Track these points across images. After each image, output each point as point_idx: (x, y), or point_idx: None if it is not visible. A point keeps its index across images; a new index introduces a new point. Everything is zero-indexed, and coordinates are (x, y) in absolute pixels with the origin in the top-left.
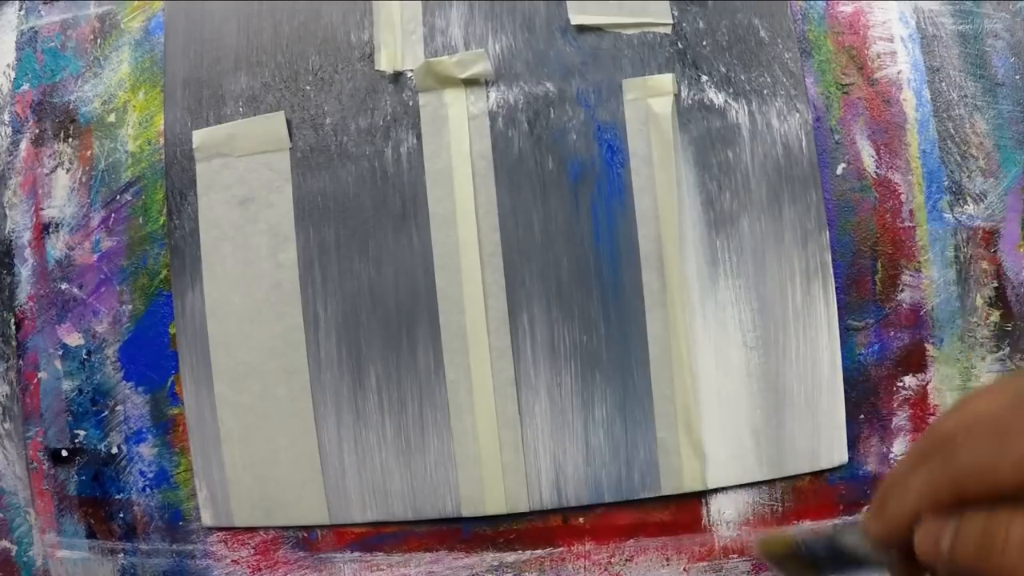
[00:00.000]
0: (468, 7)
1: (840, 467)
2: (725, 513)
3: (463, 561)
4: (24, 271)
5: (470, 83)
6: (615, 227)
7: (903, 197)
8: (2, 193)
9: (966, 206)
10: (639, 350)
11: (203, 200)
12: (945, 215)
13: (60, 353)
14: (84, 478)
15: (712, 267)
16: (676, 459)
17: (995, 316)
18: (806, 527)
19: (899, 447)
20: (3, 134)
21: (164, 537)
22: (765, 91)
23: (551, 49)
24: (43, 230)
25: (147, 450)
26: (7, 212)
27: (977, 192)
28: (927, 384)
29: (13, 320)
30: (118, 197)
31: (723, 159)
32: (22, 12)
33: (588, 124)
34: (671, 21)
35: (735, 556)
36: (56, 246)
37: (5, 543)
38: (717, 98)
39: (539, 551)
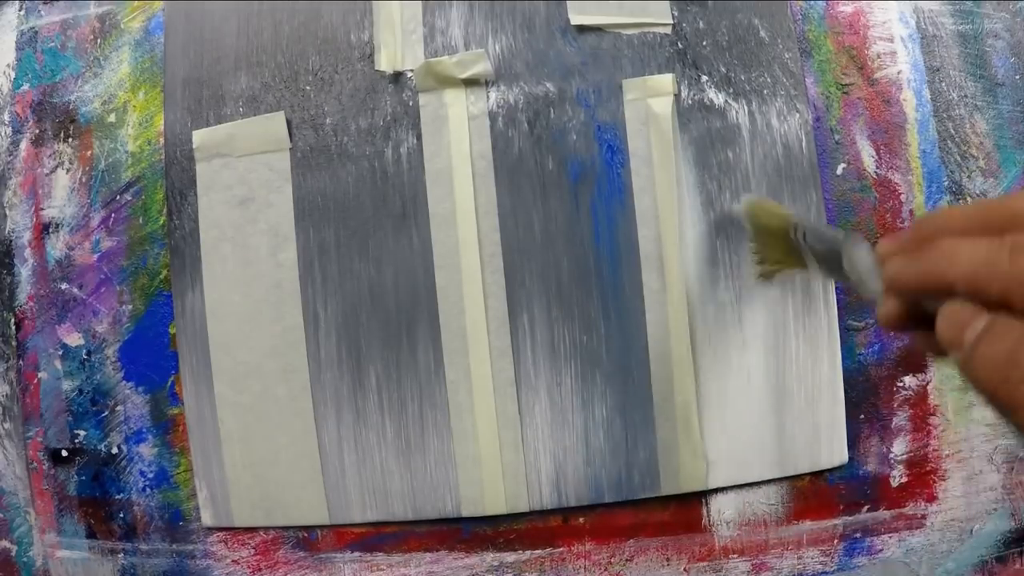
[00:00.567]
0: (468, 7)
1: (840, 467)
2: (725, 513)
3: (463, 561)
4: (24, 271)
5: (470, 83)
6: (615, 227)
7: (903, 197)
8: (2, 193)
9: None
10: (639, 350)
11: (203, 200)
12: None
13: (60, 353)
14: (84, 478)
15: (712, 267)
16: (676, 459)
17: None
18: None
19: (899, 447)
20: (3, 134)
21: (164, 537)
22: (765, 91)
23: (551, 49)
24: (43, 230)
25: (147, 450)
26: (7, 212)
27: (977, 192)
28: (927, 384)
29: (13, 320)
30: (118, 197)
31: (723, 159)
32: (22, 12)
33: (588, 124)
34: (671, 21)
35: (735, 556)
36: (56, 246)
37: (5, 543)
38: (717, 98)
39: (539, 551)
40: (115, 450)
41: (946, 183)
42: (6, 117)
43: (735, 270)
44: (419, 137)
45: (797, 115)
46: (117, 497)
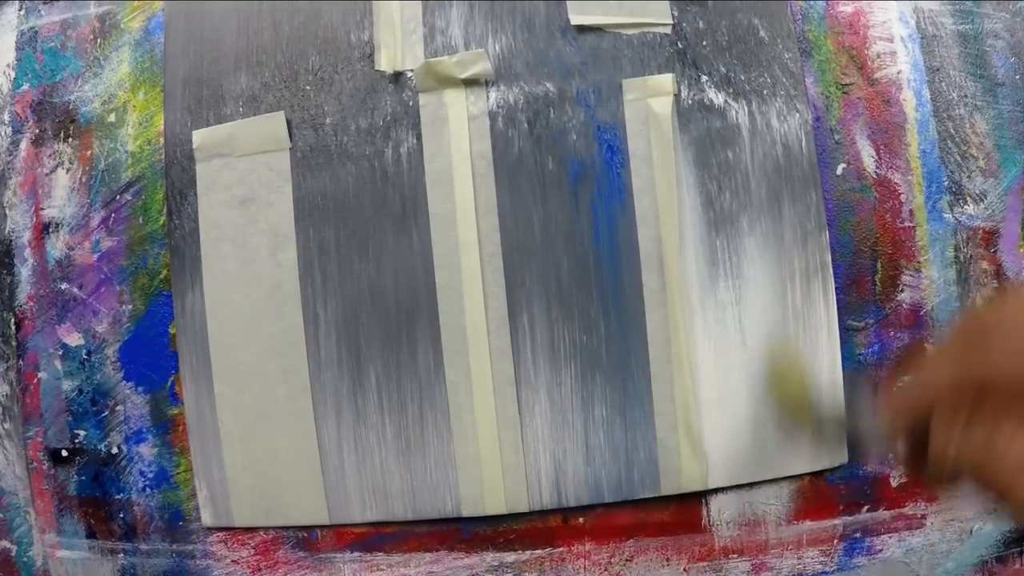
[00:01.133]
0: (468, 7)
1: (840, 467)
2: (725, 513)
3: (463, 561)
4: (24, 271)
5: (470, 83)
6: (615, 227)
7: (903, 197)
8: (2, 193)
9: (966, 206)
10: (639, 350)
11: (203, 200)
12: (945, 215)
13: (60, 353)
14: (84, 478)
15: (712, 267)
16: (676, 459)
17: None
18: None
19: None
20: (3, 134)
21: (164, 537)
22: (765, 91)
23: (551, 49)
24: (43, 230)
25: (147, 450)
26: (7, 212)
27: (977, 192)
28: None
29: (13, 320)
30: (118, 197)
31: (723, 159)
32: (22, 12)
33: (588, 124)
34: (671, 21)
35: (735, 556)
36: (56, 246)
37: (5, 543)
38: (717, 98)
39: (539, 551)
40: (115, 450)
41: (946, 183)
42: (6, 117)
43: (735, 270)
44: (419, 137)
45: (797, 115)
46: (117, 497)
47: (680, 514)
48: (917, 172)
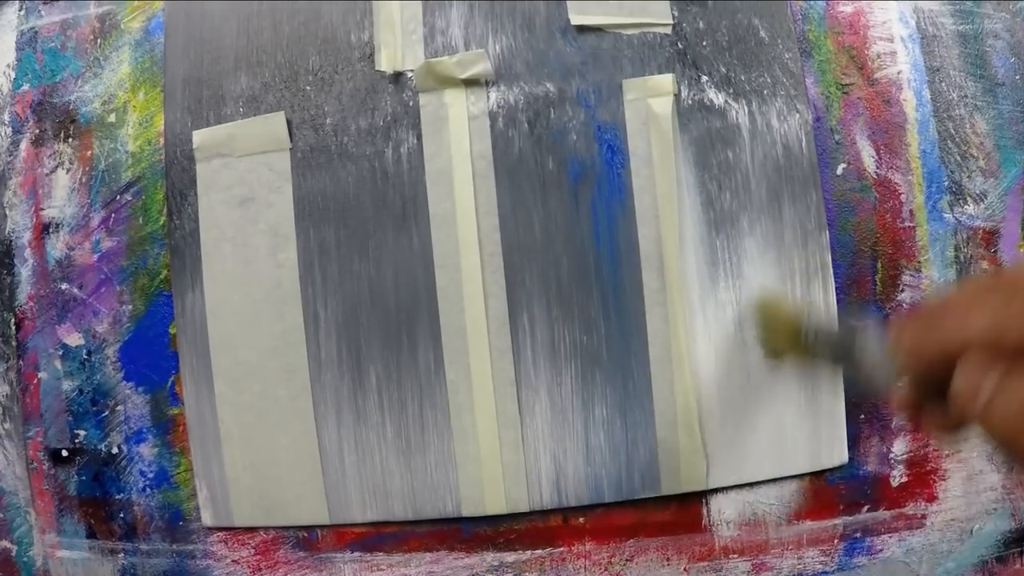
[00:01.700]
0: (468, 7)
1: (840, 467)
2: (725, 513)
3: (463, 561)
4: (24, 271)
5: (470, 83)
6: (615, 227)
7: (903, 197)
8: (2, 193)
9: (966, 206)
10: (639, 350)
11: (203, 200)
12: (945, 215)
13: (60, 353)
14: (84, 478)
15: (712, 267)
16: (676, 459)
17: None
18: (815, 327)
19: (899, 447)
20: (3, 134)
21: (164, 537)
22: (765, 91)
23: (551, 49)
24: (43, 230)
25: (147, 450)
26: (7, 212)
27: (977, 192)
28: None
29: (13, 320)
30: (118, 197)
31: (723, 159)
32: (22, 12)
33: (588, 124)
34: (671, 21)
35: (735, 556)
36: (56, 246)
37: (5, 543)
38: (717, 98)
39: (539, 551)
40: (115, 450)
41: (946, 183)
42: (6, 117)
43: (735, 270)
44: (419, 137)
45: (797, 115)
46: (117, 497)
47: (680, 514)
48: (917, 172)
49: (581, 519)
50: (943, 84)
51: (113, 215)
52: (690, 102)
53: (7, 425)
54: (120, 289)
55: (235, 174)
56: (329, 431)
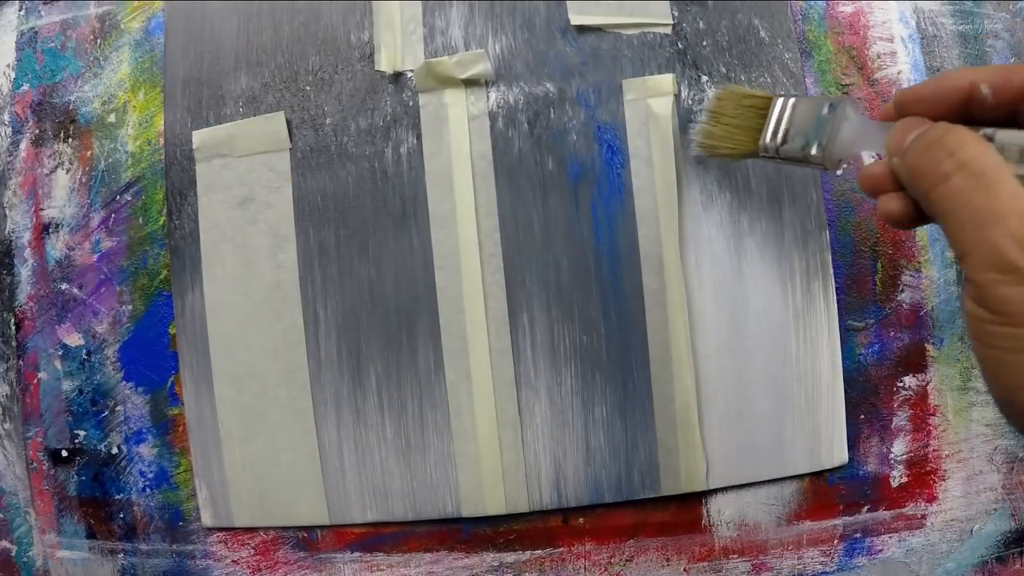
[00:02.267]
0: (468, 7)
1: (840, 467)
2: (725, 513)
3: (463, 561)
4: (24, 271)
5: (470, 83)
6: (615, 227)
7: None
8: (2, 193)
9: None
10: (639, 350)
11: (203, 200)
12: None
13: (60, 353)
14: (84, 478)
15: (712, 267)
16: (676, 459)
17: None
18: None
19: (899, 447)
20: (3, 134)
21: (164, 537)
22: None
23: (551, 49)
24: (43, 230)
25: (147, 450)
26: (7, 212)
27: None
28: (927, 384)
29: (13, 320)
30: (118, 197)
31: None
32: (22, 12)
33: (588, 124)
34: (671, 21)
35: (735, 556)
36: (56, 246)
37: (5, 543)
38: None
39: (539, 551)
40: (115, 450)
41: None
42: (6, 117)
43: (735, 270)
44: (419, 137)
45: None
46: (117, 497)
47: (680, 514)
48: None
49: (581, 519)
50: None
51: (113, 215)
52: (690, 102)
53: (7, 425)
54: (120, 289)
55: (235, 174)
56: (329, 431)
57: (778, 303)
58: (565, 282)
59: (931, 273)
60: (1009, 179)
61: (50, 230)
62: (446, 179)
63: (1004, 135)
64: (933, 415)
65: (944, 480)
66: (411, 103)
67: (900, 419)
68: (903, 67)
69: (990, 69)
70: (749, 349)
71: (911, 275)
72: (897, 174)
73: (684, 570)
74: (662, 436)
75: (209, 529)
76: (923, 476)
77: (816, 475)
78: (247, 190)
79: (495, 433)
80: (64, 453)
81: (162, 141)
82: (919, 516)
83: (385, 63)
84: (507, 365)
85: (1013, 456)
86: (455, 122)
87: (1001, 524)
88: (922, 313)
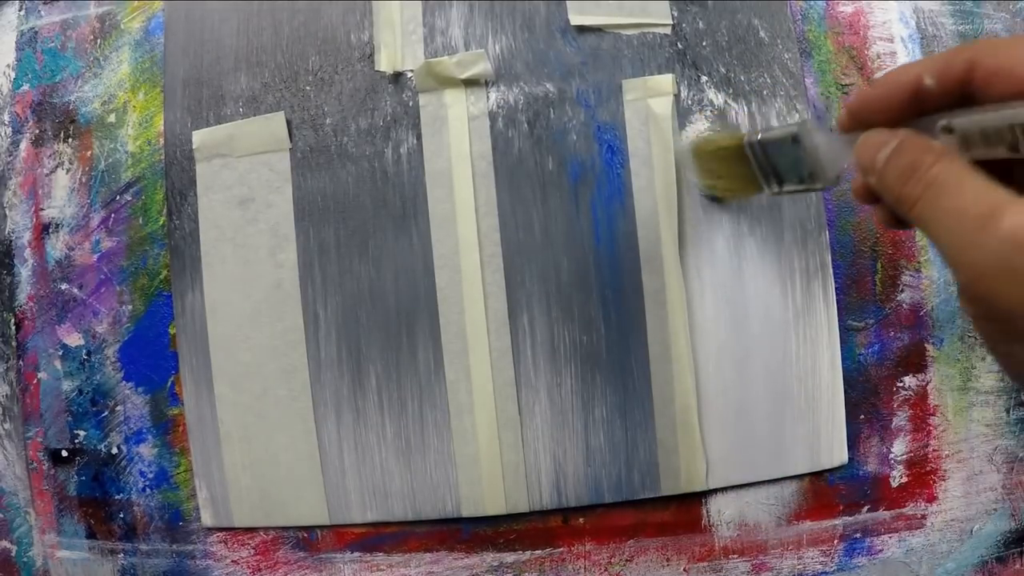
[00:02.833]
0: (468, 7)
1: (840, 467)
2: (725, 513)
3: (463, 561)
4: (24, 271)
5: (470, 83)
6: (615, 227)
7: None
8: (2, 193)
9: None
10: (639, 350)
11: (203, 200)
12: None
13: (60, 353)
14: (84, 478)
15: (712, 267)
16: (676, 459)
17: None
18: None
19: (899, 447)
20: (3, 134)
21: (164, 537)
22: (765, 91)
23: (551, 49)
24: (43, 230)
25: (147, 450)
26: (7, 212)
27: None
28: (927, 384)
29: (13, 320)
30: (118, 197)
31: None
32: (22, 12)
33: (588, 124)
34: (671, 21)
35: (735, 556)
36: (56, 246)
37: (5, 543)
38: (717, 98)
39: (539, 551)
40: (115, 450)
41: None
42: (6, 117)
43: (735, 270)
44: (419, 137)
45: (797, 115)
46: (117, 497)
47: (680, 514)
48: None
49: (581, 519)
50: None
51: (113, 215)
52: (690, 102)
53: (7, 425)
54: (120, 289)
55: (235, 174)
56: (329, 431)
57: (778, 303)
58: (565, 282)
59: (931, 273)
60: (970, 183)
61: (50, 230)
62: (446, 179)
63: (961, 121)
64: (933, 415)
65: (944, 480)
66: (411, 103)
67: (900, 419)
68: None
69: (930, 59)
70: (749, 349)
71: (911, 275)
72: (878, 193)
73: (684, 570)
74: (662, 436)
75: (209, 529)
76: (923, 476)
77: (816, 475)
78: (247, 190)
79: (495, 433)
80: (64, 453)
81: (162, 141)
82: (919, 516)
83: (385, 63)
84: (507, 365)
85: (1013, 456)
86: (455, 122)
87: (1001, 524)
88: (922, 313)
